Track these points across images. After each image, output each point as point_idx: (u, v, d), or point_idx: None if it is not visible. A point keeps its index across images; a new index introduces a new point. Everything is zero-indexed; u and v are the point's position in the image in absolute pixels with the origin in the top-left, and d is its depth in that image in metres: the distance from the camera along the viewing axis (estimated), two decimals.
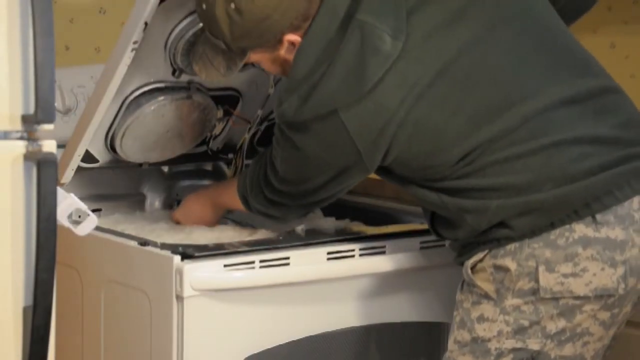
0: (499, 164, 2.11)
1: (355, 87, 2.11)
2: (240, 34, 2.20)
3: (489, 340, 2.17)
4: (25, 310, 1.87)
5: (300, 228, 2.59)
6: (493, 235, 2.15)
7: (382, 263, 2.42)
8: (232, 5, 2.16)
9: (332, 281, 2.39)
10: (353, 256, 2.40)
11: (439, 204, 2.20)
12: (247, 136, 2.73)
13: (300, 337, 2.36)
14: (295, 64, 2.18)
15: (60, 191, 1.88)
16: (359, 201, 2.89)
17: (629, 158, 2.12)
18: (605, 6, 3.38)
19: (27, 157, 1.84)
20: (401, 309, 2.48)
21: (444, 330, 2.54)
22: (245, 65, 2.33)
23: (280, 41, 2.21)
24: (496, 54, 2.14)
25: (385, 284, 2.45)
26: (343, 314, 2.41)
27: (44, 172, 1.82)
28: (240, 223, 2.79)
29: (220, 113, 2.68)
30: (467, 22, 2.15)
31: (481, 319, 2.18)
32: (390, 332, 2.48)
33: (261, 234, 2.60)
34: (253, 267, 2.28)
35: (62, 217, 1.90)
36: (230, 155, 2.79)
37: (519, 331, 2.15)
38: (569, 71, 2.17)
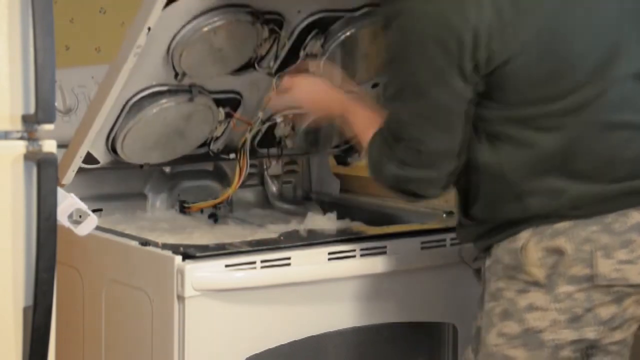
0: (589, 130, 2.05)
1: None
2: None
3: (542, 331, 2.08)
4: (25, 310, 1.87)
5: (302, 228, 2.59)
6: (539, 212, 2.09)
7: (383, 263, 2.42)
8: None
9: (333, 281, 2.38)
10: (354, 256, 2.39)
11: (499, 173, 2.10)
12: (249, 136, 2.74)
13: (302, 337, 2.36)
14: None
15: (60, 191, 1.88)
16: (359, 201, 2.89)
17: None
18: None
19: (28, 157, 1.84)
20: (402, 309, 2.48)
21: (444, 330, 2.54)
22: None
23: None
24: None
25: (386, 284, 2.44)
26: (344, 314, 2.41)
27: (44, 172, 1.82)
28: (242, 222, 2.79)
29: (221, 115, 2.68)
30: None
31: (531, 308, 2.09)
32: (391, 332, 2.48)
33: (262, 234, 2.61)
34: (254, 267, 2.28)
35: (62, 217, 1.90)
36: (232, 156, 2.79)
37: (574, 320, 2.07)
38: None
